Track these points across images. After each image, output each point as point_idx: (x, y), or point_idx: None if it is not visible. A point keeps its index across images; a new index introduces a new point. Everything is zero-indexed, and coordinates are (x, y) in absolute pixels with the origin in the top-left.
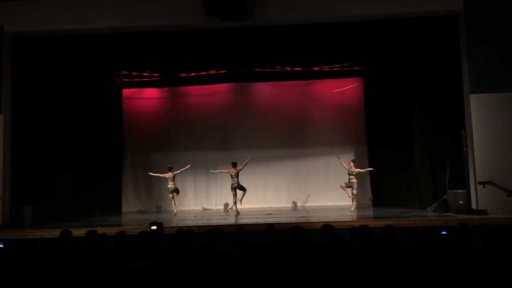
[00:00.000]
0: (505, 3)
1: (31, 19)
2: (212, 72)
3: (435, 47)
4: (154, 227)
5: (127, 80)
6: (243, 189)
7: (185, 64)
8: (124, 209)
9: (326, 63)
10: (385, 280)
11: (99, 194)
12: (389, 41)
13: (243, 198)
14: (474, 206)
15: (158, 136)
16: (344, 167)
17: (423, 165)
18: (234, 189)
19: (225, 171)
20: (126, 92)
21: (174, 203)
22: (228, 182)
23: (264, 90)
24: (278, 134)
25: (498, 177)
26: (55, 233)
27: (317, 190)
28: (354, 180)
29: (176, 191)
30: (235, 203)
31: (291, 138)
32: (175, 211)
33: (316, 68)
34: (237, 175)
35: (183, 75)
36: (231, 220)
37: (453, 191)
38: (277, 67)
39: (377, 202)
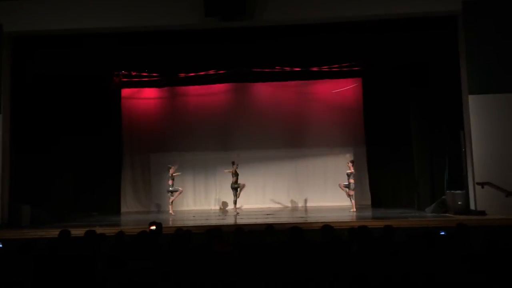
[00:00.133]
0: (504, 4)
1: (30, 19)
2: (211, 72)
3: (434, 47)
4: (153, 227)
5: (126, 80)
6: (241, 186)
7: (184, 64)
8: (123, 209)
9: (325, 63)
10: (384, 280)
11: (98, 194)
12: (388, 41)
13: (241, 192)
14: (472, 206)
15: (157, 136)
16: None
17: (421, 166)
18: (234, 188)
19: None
20: (125, 92)
21: (172, 202)
22: (227, 182)
23: (263, 91)
24: (277, 134)
25: (497, 177)
26: (54, 233)
27: (316, 190)
28: (352, 181)
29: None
30: (235, 202)
31: (290, 138)
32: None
33: (315, 69)
34: (237, 174)
35: (182, 75)
36: (230, 220)
37: (452, 191)
38: (276, 67)
39: (375, 202)
